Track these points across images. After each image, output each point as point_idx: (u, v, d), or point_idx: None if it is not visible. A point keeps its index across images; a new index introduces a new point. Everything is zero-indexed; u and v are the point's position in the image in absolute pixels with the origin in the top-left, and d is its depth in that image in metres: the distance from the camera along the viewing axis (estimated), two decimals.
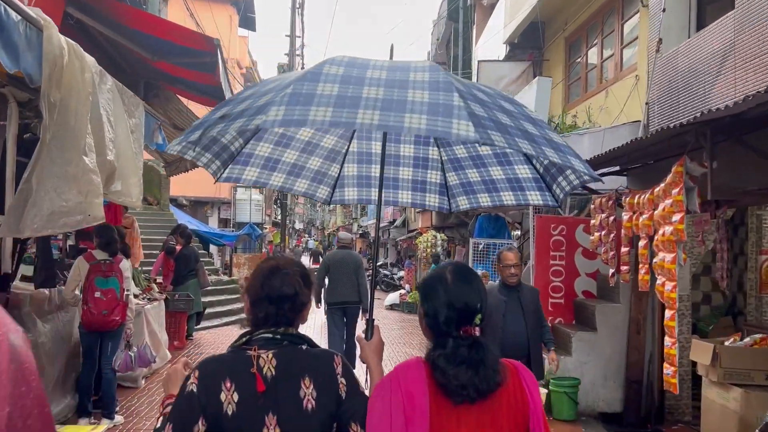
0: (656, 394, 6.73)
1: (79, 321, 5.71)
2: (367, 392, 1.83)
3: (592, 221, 6.12)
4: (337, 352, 1.89)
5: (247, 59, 26.67)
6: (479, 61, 12.11)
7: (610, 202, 5.71)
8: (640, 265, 4.91)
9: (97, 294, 5.54)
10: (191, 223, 20.85)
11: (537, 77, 7.99)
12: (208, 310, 12.58)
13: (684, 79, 6.48)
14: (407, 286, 21.21)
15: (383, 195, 2.96)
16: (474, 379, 1.60)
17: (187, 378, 1.70)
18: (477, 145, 2.76)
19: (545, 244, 7.68)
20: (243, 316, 13.52)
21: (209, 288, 13.77)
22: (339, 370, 1.81)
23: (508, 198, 2.97)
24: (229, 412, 1.65)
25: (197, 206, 25.40)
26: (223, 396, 1.66)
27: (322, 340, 8.73)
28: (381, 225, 21.51)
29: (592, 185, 7.41)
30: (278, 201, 18.10)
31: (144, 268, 12.21)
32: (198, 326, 11.13)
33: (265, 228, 29.63)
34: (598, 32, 9.75)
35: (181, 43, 6.15)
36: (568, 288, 7.70)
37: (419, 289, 1.83)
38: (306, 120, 1.87)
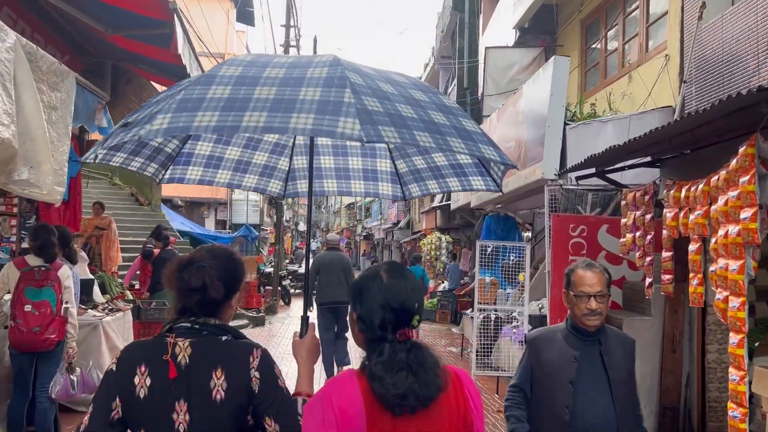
0: (696, 424, 5.74)
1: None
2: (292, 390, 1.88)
3: (623, 220, 5.14)
4: (258, 345, 1.87)
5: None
6: (487, 48, 11.15)
7: (647, 197, 4.73)
8: (692, 275, 3.92)
9: (28, 307, 4.60)
10: (184, 225, 19.96)
11: (553, 56, 7.01)
12: None
13: (731, 51, 5.49)
14: None
15: (335, 185, 3.14)
16: (414, 385, 1.51)
17: (112, 360, 1.79)
18: (408, 88, 2.40)
19: (563, 247, 6.69)
20: (234, 323, 12.60)
21: None
22: (254, 363, 1.80)
23: (454, 184, 2.97)
24: (141, 396, 1.72)
25: (193, 207, 24.51)
26: (136, 379, 1.72)
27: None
28: (385, 226, 20.74)
29: (618, 178, 6.45)
30: (273, 201, 17.16)
31: (122, 272, 11.31)
32: None
33: (265, 230, 28.72)
34: (619, 11, 8.77)
35: (134, 10, 5.24)
36: None
37: (353, 288, 1.69)
38: (190, 126, 1.83)
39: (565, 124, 6.93)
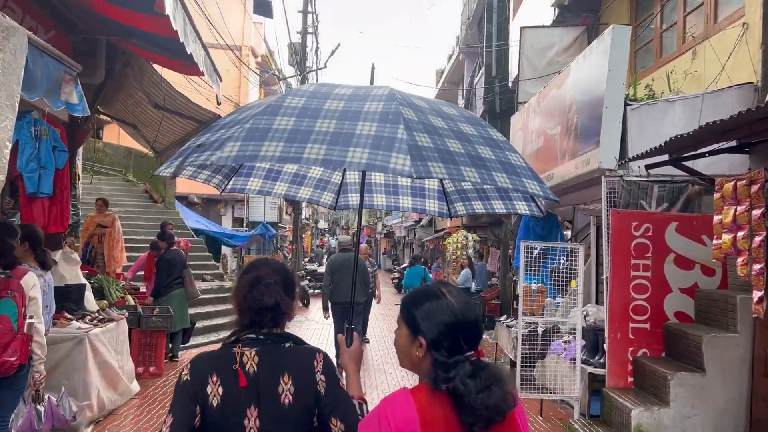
0: None
1: None
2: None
3: (717, 217, 4.12)
4: (319, 350, 1.98)
5: (262, 47, 24.99)
6: (522, 28, 10.14)
7: (756, 187, 3.71)
8: None
9: None
10: (200, 223, 19.21)
11: (612, 26, 6.00)
12: (203, 323, 10.83)
13: None
14: None
15: (384, 200, 3.38)
16: (499, 401, 1.52)
17: (182, 371, 1.86)
18: (457, 122, 2.39)
19: (624, 248, 5.70)
20: None
21: (205, 296, 12.03)
22: (319, 367, 1.90)
23: (498, 206, 3.05)
24: (214, 404, 1.81)
25: (209, 205, 23.78)
26: (209, 389, 1.81)
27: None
28: (406, 224, 19.86)
29: (699, 167, 5.43)
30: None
31: (125, 274, 10.52)
32: (186, 344, 9.36)
33: (284, 227, 27.93)
34: None
35: None
36: (656, 308, 5.70)
37: (410, 310, 1.64)
38: (257, 156, 2.01)
39: (626, 104, 5.93)
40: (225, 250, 21.96)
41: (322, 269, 23.25)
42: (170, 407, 1.83)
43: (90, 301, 6.78)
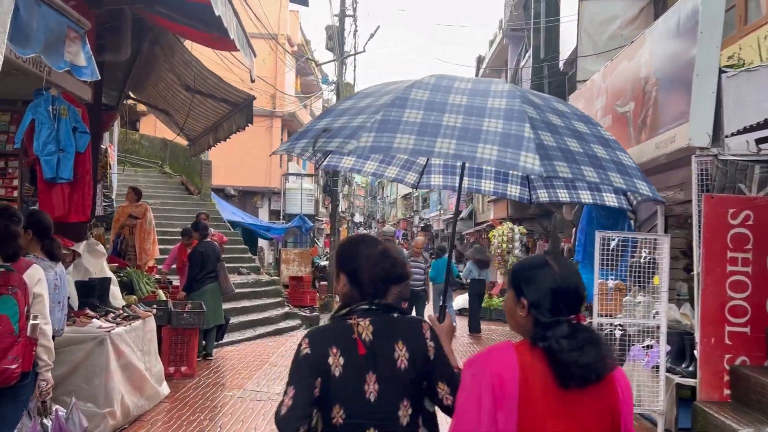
0: None
1: None
2: None
3: None
4: (424, 319, 2.17)
5: (298, 36, 24.47)
6: (581, 0, 9.27)
7: None
8: None
9: None
10: (236, 215, 18.81)
11: None
12: (238, 318, 10.32)
13: None
14: None
15: (466, 182, 3.26)
16: (597, 360, 1.62)
17: (299, 345, 1.95)
18: (572, 120, 2.44)
19: (719, 239, 4.88)
20: (285, 324, 11.19)
21: (241, 291, 11.53)
22: (427, 334, 2.06)
23: (585, 196, 3.02)
24: (337, 374, 1.91)
25: (246, 197, 23.44)
26: (330, 360, 1.91)
27: None
28: (445, 217, 19.38)
29: None
30: (328, 188, 15.74)
31: (159, 267, 10.08)
32: (221, 341, 8.83)
33: (320, 220, 27.46)
34: None
35: None
36: (758, 309, 4.87)
37: (516, 276, 1.81)
38: (391, 147, 2.16)
39: (720, 72, 5.09)
40: (261, 243, 21.58)
41: None
42: (289, 380, 1.92)
43: (116, 296, 6.27)
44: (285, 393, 1.90)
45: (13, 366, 3.25)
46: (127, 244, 9.30)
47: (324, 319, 12.69)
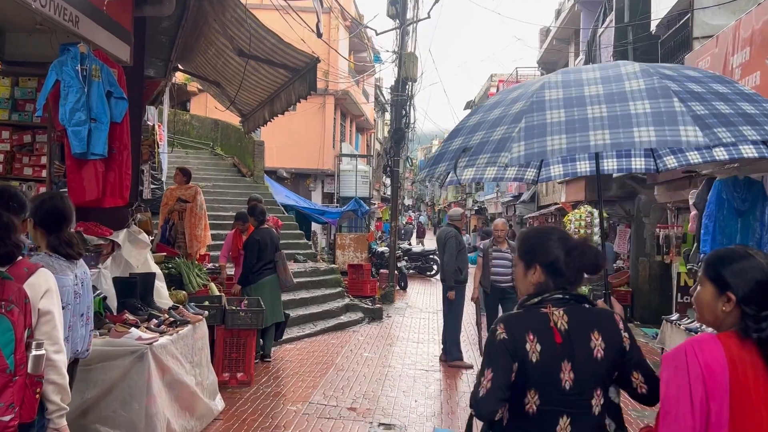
0: None
1: None
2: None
3: None
4: (614, 311, 2.19)
5: (352, 8, 23.31)
6: None
7: None
8: None
9: None
10: (290, 198, 17.93)
11: None
12: (296, 311, 9.36)
13: None
14: None
15: (587, 166, 3.21)
16: None
17: (494, 330, 2.02)
18: (709, 83, 2.40)
19: None
20: (346, 318, 10.17)
21: (298, 280, 10.57)
22: (621, 326, 2.09)
23: (720, 153, 2.80)
24: (534, 360, 1.97)
25: (299, 179, 22.58)
26: (528, 346, 1.98)
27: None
28: (503, 200, 18.01)
29: None
30: (388, 168, 14.62)
31: (214, 253, 9.20)
32: (280, 339, 7.87)
33: (374, 204, 26.44)
34: None
35: None
36: None
37: (718, 269, 1.80)
38: (545, 151, 2.16)
39: None
40: (314, 227, 20.71)
41: (417, 248, 21.60)
42: (486, 363, 1.99)
43: (162, 294, 5.33)
44: (482, 375, 1.97)
45: (7, 417, 2.26)
46: (177, 231, 8.42)
47: (387, 311, 11.62)
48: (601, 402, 2.03)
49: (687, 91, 2.25)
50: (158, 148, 10.79)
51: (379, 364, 7.53)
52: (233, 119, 20.59)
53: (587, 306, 2.09)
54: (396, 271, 14.32)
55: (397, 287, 14.65)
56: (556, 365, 1.97)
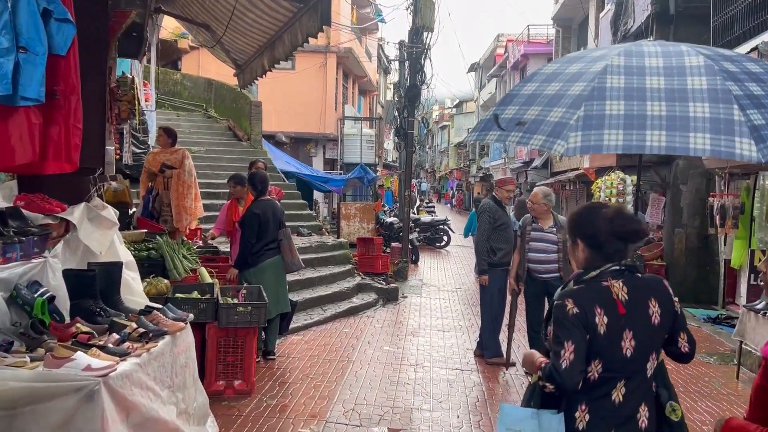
0: None
1: None
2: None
3: None
4: (661, 277, 2.41)
5: None
6: None
7: None
8: None
9: None
10: (290, 164, 16.57)
11: None
12: (302, 295, 8.14)
13: None
14: None
15: (666, 139, 2.56)
16: None
17: (564, 306, 2.10)
18: None
19: None
20: (359, 300, 8.96)
21: (303, 257, 9.30)
22: (670, 291, 2.23)
23: None
24: (602, 332, 2.08)
25: (298, 144, 21.19)
26: (597, 319, 2.08)
27: None
28: (513, 166, 16.64)
29: None
30: (401, 132, 13.23)
31: (206, 227, 7.95)
32: (285, 332, 6.64)
33: (377, 171, 25.07)
34: None
35: None
36: None
37: None
38: (601, 146, 2.31)
39: None
40: (316, 195, 19.42)
41: (425, 217, 20.28)
42: (564, 336, 2.07)
43: (134, 289, 4.06)
44: (561, 346, 2.05)
45: None
46: (162, 203, 7.15)
47: (403, 290, 10.40)
48: (655, 365, 2.20)
49: (748, 95, 2.28)
50: (139, 105, 9.40)
51: (404, 362, 6.32)
52: (228, 79, 19.01)
53: (640, 275, 2.20)
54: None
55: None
56: (620, 335, 2.10)
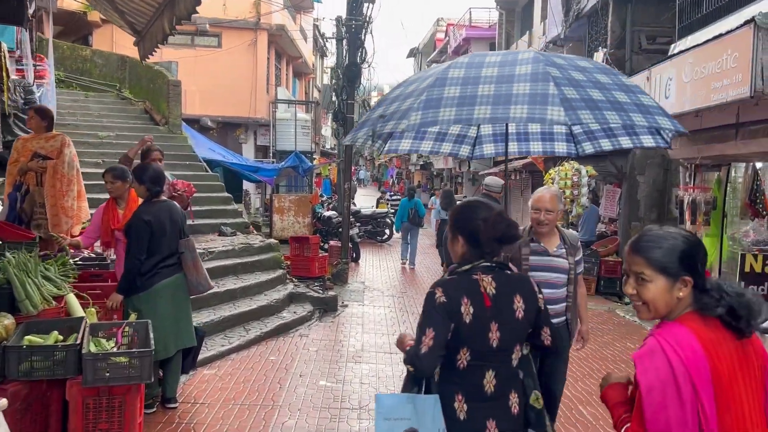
0: None
1: None
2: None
3: None
4: (529, 277, 2.56)
5: None
6: None
7: None
8: None
9: None
10: (214, 152, 14.86)
11: None
12: (221, 313, 6.72)
13: None
14: None
15: (516, 146, 4.18)
16: (756, 302, 1.71)
17: (433, 294, 2.24)
18: (593, 73, 2.95)
19: None
20: (291, 314, 7.64)
21: (225, 263, 7.88)
22: (535, 288, 2.42)
23: (625, 142, 3.61)
24: (467, 321, 2.21)
25: (227, 129, 19.43)
26: (462, 309, 2.21)
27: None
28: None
29: None
30: (340, 116, 11.88)
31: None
32: (188, 372, 5.20)
33: (314, 159, 23.56)
34: None
35: None
36: None
37: (673, 256, 1.76)
38: (437, 120, 2.65)
39: None
40: (247, 185, 17.81)
41: (366, 209, 18.95)
42: (426, 323, 2.21)
43: None
44: (422, 333, 2.19)
45: None
46: (34, 203, 5.61)
47: (343, 298, 9.09)
48: (520, 356, 2.36)
49: (567, 78, 2.70)
50: (8, 78, 7.75)
51: (345, 404, 5.04)
52: (119, 24, 17.08)
53: (509, 272, 2.38)
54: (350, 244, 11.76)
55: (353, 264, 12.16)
56: (486, 326, 2.24)
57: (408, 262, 13.46)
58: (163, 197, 4.71)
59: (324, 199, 19.97)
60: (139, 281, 4.41)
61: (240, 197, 15.74)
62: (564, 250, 3.79)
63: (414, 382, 2.30)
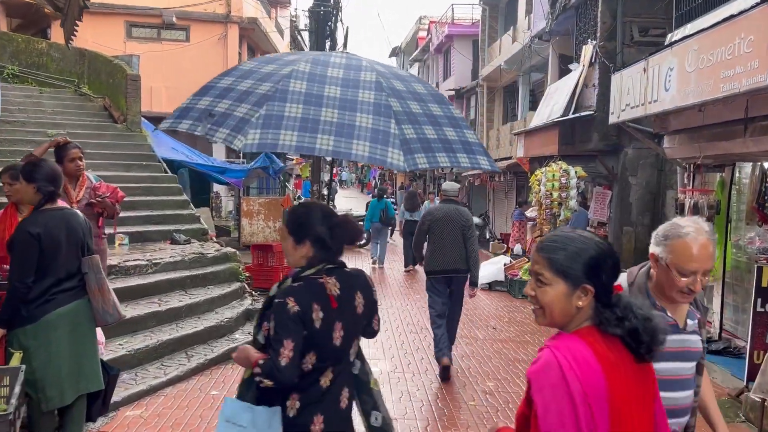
0: None
1: None
2: None
3: None
4: (363, 271, 2.54)
5: None
6: None
7: None
8: None
9: None
10: (177, 151, 13.85)
11: None
12: (159, 337, 5.77)
13: None
14: (518, 248, 14.04)
15: (333, 144, 2.86)
16: (659, 328, 1.62)
17: (285, 304, 2.18)
18: (428, 103, 2.91)
19: None
20: (244, 335, 6.73)
21: (169, 277, 6.93)
22: (371, 282, 2.50)
23: (463, 160, 3.10)
24: (317, 326, 2.22)
25: None
26: (314, 315, 2.22)
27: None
28: None
29: None
30: None
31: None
32: (103, 413, 4.26)
33: (291, 159, 22.56)
34: None
35: None
36: None
37: (568, 263, 1.61)
38: (277, 144, 2.41)
39: None
40: (217, 188, 16.81)
41: (359, 212, 17.93)
42: (283, 334, 2.16)
43: None
44: (280, 345, 2.13)
45: None
46: None
47: None
48: (356, 349, 2.44)
49: (406, 112, 2.64)
50: None
51: None
52: (105, 49, 15.97)
53: (348, 270, 2.42)
54: None
55: None
56: (332, 327, 2.26)
57: (378, 261, 13.42)
58: (61, 203, 3.76)
59: (298, 197, 19.01)
60: (26, 310, 3.46)
61: (207, 200, 14.77)
62: (697, 321, 2.33)
63: (248, 386, 2.31)
